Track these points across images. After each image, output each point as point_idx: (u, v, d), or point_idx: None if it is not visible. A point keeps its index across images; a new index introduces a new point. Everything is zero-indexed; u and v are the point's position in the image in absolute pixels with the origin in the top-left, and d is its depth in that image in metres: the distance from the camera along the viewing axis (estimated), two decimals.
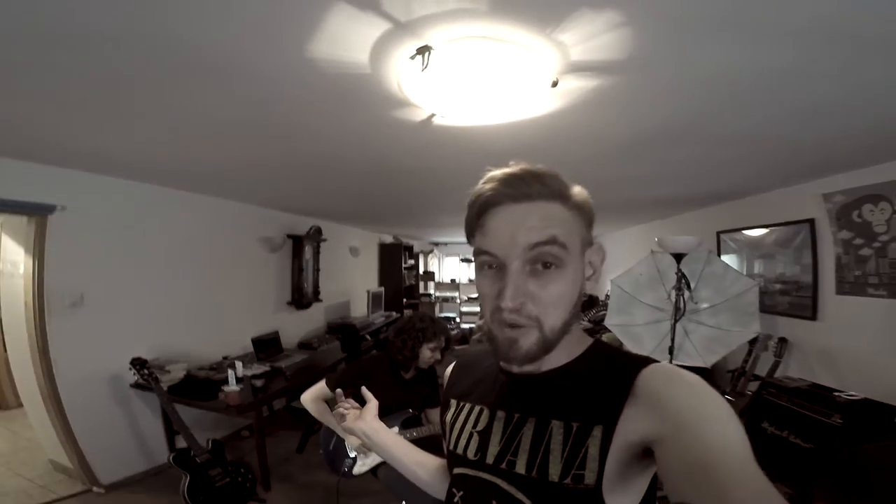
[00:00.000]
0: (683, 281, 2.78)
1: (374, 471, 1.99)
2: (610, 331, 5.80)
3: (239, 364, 2.95)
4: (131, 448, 2.89)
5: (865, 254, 2.46)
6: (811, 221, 2.84)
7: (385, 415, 1.98)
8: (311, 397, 2.00)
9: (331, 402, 2.00)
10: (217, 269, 3.54)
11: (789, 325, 3.06)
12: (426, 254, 9.37)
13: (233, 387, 2.67)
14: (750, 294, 2.82)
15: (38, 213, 2.35)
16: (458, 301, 9.06)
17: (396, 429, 1.99)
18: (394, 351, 2.09)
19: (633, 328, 3.20)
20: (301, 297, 4.46)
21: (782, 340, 2.94)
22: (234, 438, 3.54)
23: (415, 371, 2.15)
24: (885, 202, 2.32)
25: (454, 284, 9.03)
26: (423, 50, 1.14)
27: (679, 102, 1.52)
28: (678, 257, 2.81)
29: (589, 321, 6.45)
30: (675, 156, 2.23)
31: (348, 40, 1.12)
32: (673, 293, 2.91)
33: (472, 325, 5.49)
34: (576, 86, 1.38)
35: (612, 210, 4.37)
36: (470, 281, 9.24)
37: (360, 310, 5.96)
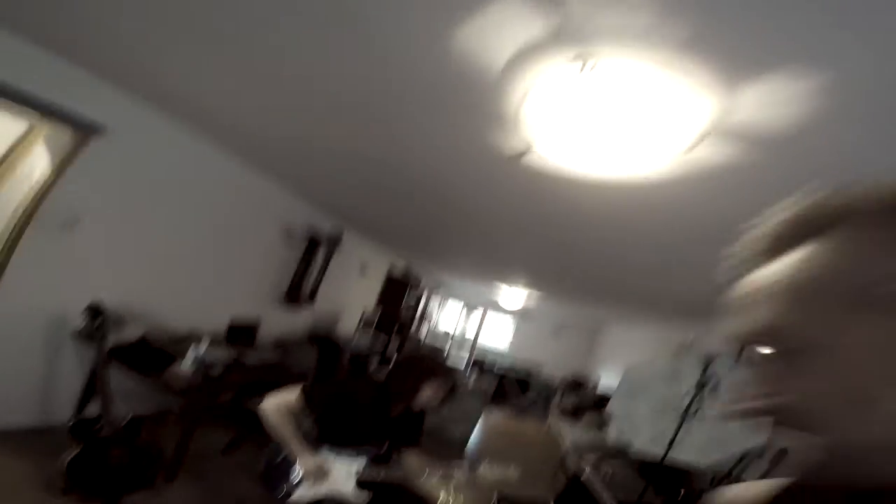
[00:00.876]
0: (711, 382, 2.64)
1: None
2: (591, 412, 5.61)
3: (204, 343, 2.68)
4: (30, 398, 2.50)
5: None
6: None
7: (356, 446, 1.79)
8: (277, 408, 1.76)
9: (298, 419, 1.81)
10: (223, 241, 3.41)
11: (797, 435, 2.80)
12: (430, 289, 9.18)
13: (185, 367, 2.41)
14: None
15: (87, 130, 2.27)
16: (446, 353, 8.72)
17: (363, 463, 1.76)
18: (392, 381, 1.87)
19: (635, 418, 3.00)
20: (297, 293, 4.33)
21: (783, 451, 2.68)
22: (162, 417, 3.07)
23: (404, 409, 1.91)
24: None
25: (446, 336, 8.75)
26: (582, 55, 1.02)
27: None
28: (710, 358, 2.70)
29: (577, 400, 6.13)
30: None
31: (494, 38, 1.02)
32: (692, 390, 2.75)
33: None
34: (710, 153, 1.18)
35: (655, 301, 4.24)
36: (463, 336, 8.98)
37: (348, 327, 5.74)
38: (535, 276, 4.39)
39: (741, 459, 2.84)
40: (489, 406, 6.96)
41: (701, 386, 2.70)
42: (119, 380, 2.39)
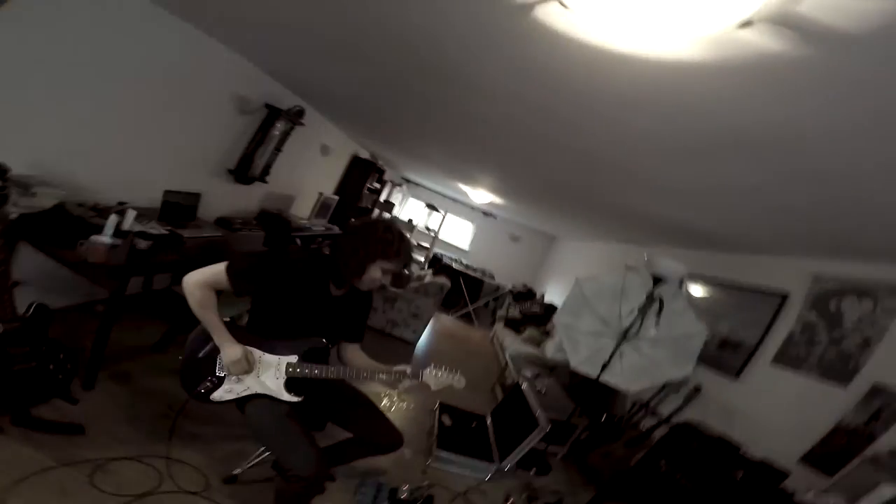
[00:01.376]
0: (656, 306, 2.65)
1: (241, 403, 1.58)
2: (530, 326, 5.94)
3: (131, 214, 2.32)
4: None
5: (821, 339, 2.43)
6: (784, 296, 2.80)
7: (288, 336, 1.56)
8: (200, 282, 1.50)
9: (226, 296, 1.59)
10: (168, 107, 2.89)
11: (709, 376, 3.06)
12: (394, 185, 8.83)
13: (103, 239, 1.98)
14: (696, 339, 2.76)
15: None
16: None
17: (295, 358, 1.60)
18: (338, 255, 1.57)
19: (576, 333, 3.07)
20: (246, 170, 3.86)
21: (696, 389, 2.93)
22: (84, 311, 2.71)
23: (348, 290, 1.67)
24: (868, 300, 2.22)
25: (409, 225, 8.62)
26: None
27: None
28: (656, 280, 2.69)
29: (520, 312, 6.39)
30: (771, 173, 1.71)
31: None
32: (634, 312, 2.80)
33: (413, 275, 5.18)
34: (758, 42, 0.94)
35: (611, 218, 4.14)
36: (427, 228, 8.92)
37: (303, 211, 5.42)
38: (506, 175, 4.14)
39: (661, 390, 3.08)
40: (440, 308, 7.20)
41: (643, 309, 2.74)
42: (31, 260, 2.05)
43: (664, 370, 2.80)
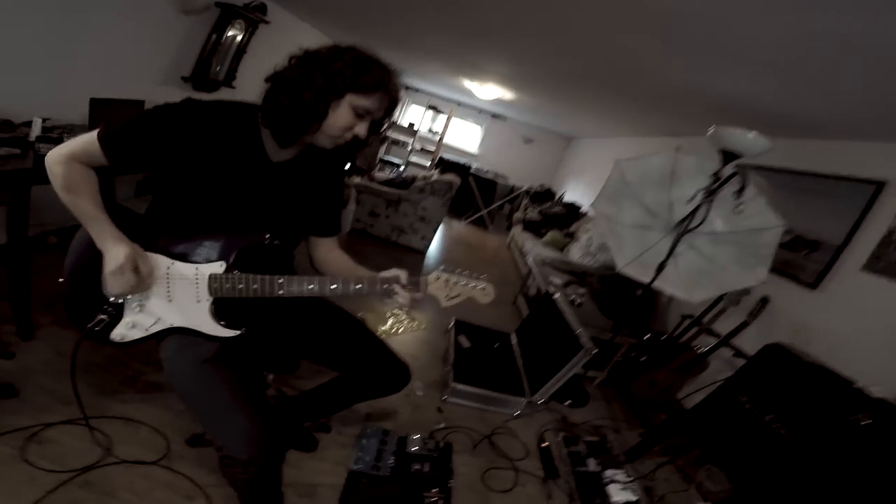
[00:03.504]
0: (730, 191, 2.01)
1: (158, 337, 1.07)
2: (552, 230, 5.41)
3: (37, 122, 1.81)
4: None
5: None
6: (881, 183, 2.14)
7: (210, 232, 1.05)
8: (64, 156, 0.96)
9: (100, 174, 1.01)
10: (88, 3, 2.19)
11: (779, 285, 2.50)
12: None
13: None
14: (770, 235, 2.16)
15: None
16: (410, 148, 7.95)
17: (220, 267, 1.04)
18: (281, 92, 0.98)
19: (618, 226, 2.50)
20: (204, 75, 3.21)
21: (763, 301, 2.37)
22: (35, 245, 2.16)
23: (300, 152, 1.10)
24: None
25: (411, 130, 7.77)
26: None
27: None
28: (729, 158, 2.02)
29: (540, 214, 5.82)
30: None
31: None
32: (690, 200, 2.17)
33: (419, 176, 4.55)
34: None
35: (648, 103, 3.31)
36: (430, 131, 8.05)
37: None
38: (521, 58, 3.28)
39: (716, 302, 2.52)
40: (451, 214, 6.65)
41: (705, 196, 2.10)
42: None
43: (731, 275, 2.25)
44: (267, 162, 1.06)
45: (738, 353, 2.35)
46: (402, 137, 7.88)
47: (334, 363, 1.31)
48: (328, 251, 1.25)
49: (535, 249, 4.52)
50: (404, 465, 1.61)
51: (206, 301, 1.04)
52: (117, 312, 1.04)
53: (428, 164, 7.83)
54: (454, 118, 7.93)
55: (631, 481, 1.85)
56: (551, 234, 4.97)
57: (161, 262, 1.03)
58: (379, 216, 4.32)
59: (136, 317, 1.04)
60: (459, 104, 8.11)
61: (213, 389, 1.00)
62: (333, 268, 1.23)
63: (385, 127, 1.10)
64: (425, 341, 2.68)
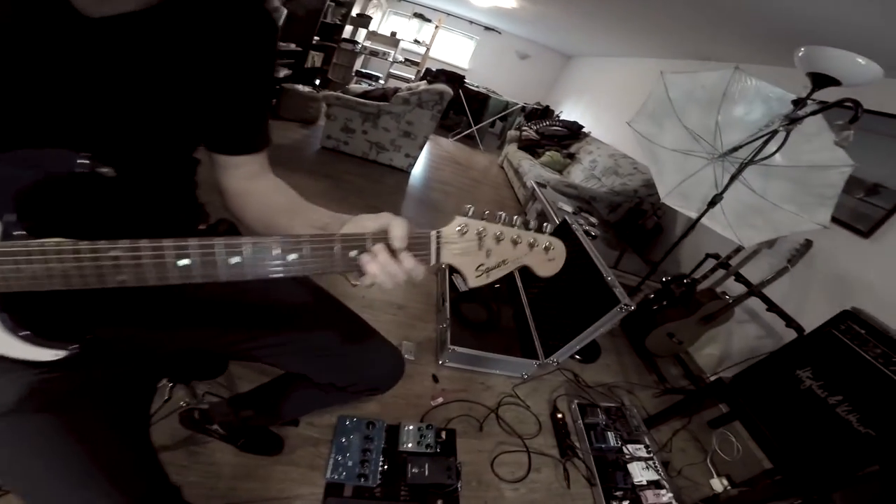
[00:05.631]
0: (849, 119, 1.52)
1: None
2: (551, 149, 4.87)
3: None
4: None
5: None
6: None
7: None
8: None
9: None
10: None
11: (826, 230, 2.10)
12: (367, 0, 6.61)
13: None
14: (837, 174, 1.73)
15: None
16: (391, 59, 6.97)
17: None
18: None
19: (657, 147, 2.01)
20: None
21: (808, 243, 1.97)
22: None
23: None
24: None
25: (393, 39, 6.79)
26: None
27: None
28: (820, 81, 1.55)
29: (537, 132, 5.20)
30: None
31: None
32: (742, 126, 1.72)
33: (401, 87, 3.81)
34: None
35: (681, 16, 2.62)
36: (416, 41, 7.07)
37: None
38: None
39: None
40: (438, 131, 5.93)
41: (788, 124, 1.63)
42: None
43: (787, 215, 1.83)
44: (76, 19, 0.48)
45: (772, 307, 1.99)
46: (382, 48, 6.87)
47: (281, 362, 0.83)
48: (248, 180, 0.72)
49: (533, 170, 4.01)
50: (398, 469, 1.22)
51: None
52: None
53: (412, 77, 6.89)
54: (442, 31, 6.93)
55: (651, 457, 1.58)
56: (550, 154, 4.44)
57: None
58: (354, 132, 3.65)
59: None
60: (448, 14, 7.05)
61: (31, 459, 0.52)
62: (256, 210, 0.70)
63: None
64: (412, 283, 2.21)
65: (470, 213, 0.55)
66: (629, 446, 1.59)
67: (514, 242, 0.56)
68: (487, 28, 7.37)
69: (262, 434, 1.18)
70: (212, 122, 0.64)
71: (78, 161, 0.48)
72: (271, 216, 0.68)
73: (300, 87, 4.23)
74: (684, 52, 3.61)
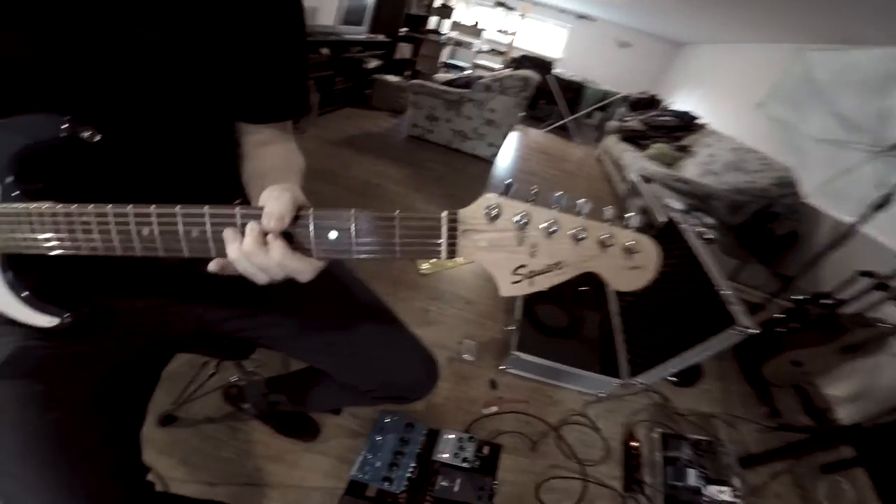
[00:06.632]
0: None
1: None
2: (659, 141, 4.34)
3: None
4: None
5: None
6: None
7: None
8: None
9: None
10: None
11: None
12: None
13: None
14: None
15: None
16: (476, 49, 6.84)
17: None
18: None
19: (799, 136, 1.61)
20: None
21: None
22: None
23: None
24: None
25: (475, 29, 6.67)
26: None
27: None
28: None
29: (643, 123, 4.70)
30: None
31: None
32: None
33: (486, 75, 3.66)
34: None
35: None
36: (501, 31, 6.92)
37: (325, 18, 3.91)
38: None
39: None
40: (528, 122, 5.65)
41: None
42: None
43: None
44: None
45: None
46: (466, 38, 6.78)
47: (308, 356, 0.76)
48: (256, 147, 0.62)
49: (637, 163, 3.61)
50: (426, 479, 1.09)
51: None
52: None
53: (500, 66, 6.71)
54: (529, 18, 6.71)
55: (735, 502, 1.25)
56: (658, 147, 3.96)
57: None
58: (438, 120, 3.59)
59: None
60: (535, 3, 6.75)
61: (8, 429, 0.49)
62: (246, 173, 0.61)
63: None
64: (486, 276, 2.07)
65: (508, 186, 0.38)
66: (712, 487, 1.28)
67: (576, 238, 0.37)
68: (581, 16, 6.85)
69: (296, 418, 1.14)
70: (226, 87, 0.55)
71: (62, 124, 0.43)
72: (248, 180, 0.60)
73: (389, 78, 4.31)
74: (821, 36, 2.92)
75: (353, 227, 0.39)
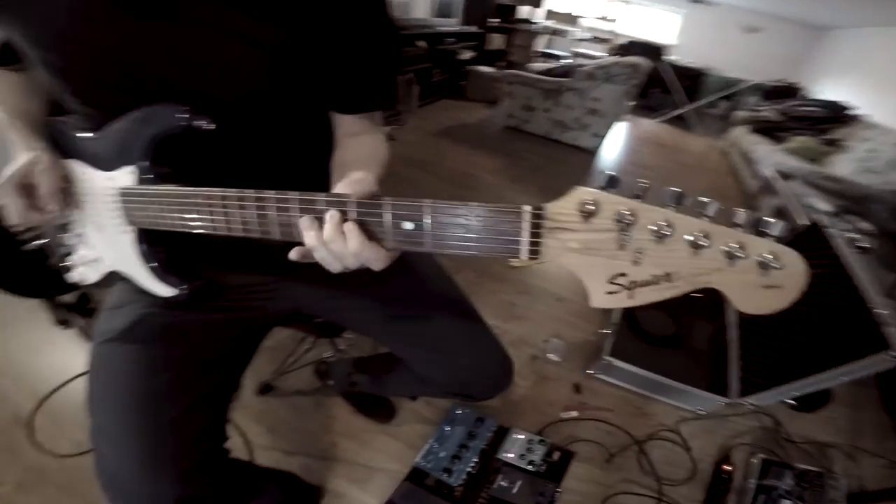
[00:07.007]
0: None
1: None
2: (801, 134, 3.70)
3: None
4: None
5: None
6: None
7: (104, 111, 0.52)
8: None
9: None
10: None
11: None
12: None
13: None
14: None
15: None
16: (575, 38, 6.54)
17: (130, 174, 0.53)
18: None
19: None
20: None
21: None
22: None
23: None
24: None
25: (571, 17, 6.40)
26: None
27: None
28: None
29: (781, 114, 4.08)
30: None
31: None
32: None
33: (587, 63, 3.42)
34: None
35: None
36: (601, 19, 6.57)
37: (419, 11, 4.00)
38: None
39: None
40: (639, 111, 5.19)
41: None
42: None
43: None
44: None
45: None
46: (562, 26, 6.47)
47: (392, 343, 0.78)
48: (346, 137, 0.62)
49: (773, 157, 3.14)
50: (485, 476, 1.05)
51: (127, 233, 0.56)
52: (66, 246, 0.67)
53: (604, 54, 6.24)
54: (637, 6, 6.28)
55: None
56: (800, 140, 3.40)
57: (78, 170, 0.58)
58: (535, 110, 3.46)
59: (82, 250, 0.65)
60: None
61: (114, 391, 0.56)
62: (338, 167, 0.59)
63: None
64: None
65: (607, 176, 0.32)
66: None
67: (695, 245, 0.30)
68: (695, 1, 6.06)
69: (375, 399, 1.18)
70: (325, 79, 0.56)
71: (178, 114, 0.47)
72: (332, 168, 0.60)
73: (483, 69, 4.29)
74: None
75: (428, 220, 0.37)
